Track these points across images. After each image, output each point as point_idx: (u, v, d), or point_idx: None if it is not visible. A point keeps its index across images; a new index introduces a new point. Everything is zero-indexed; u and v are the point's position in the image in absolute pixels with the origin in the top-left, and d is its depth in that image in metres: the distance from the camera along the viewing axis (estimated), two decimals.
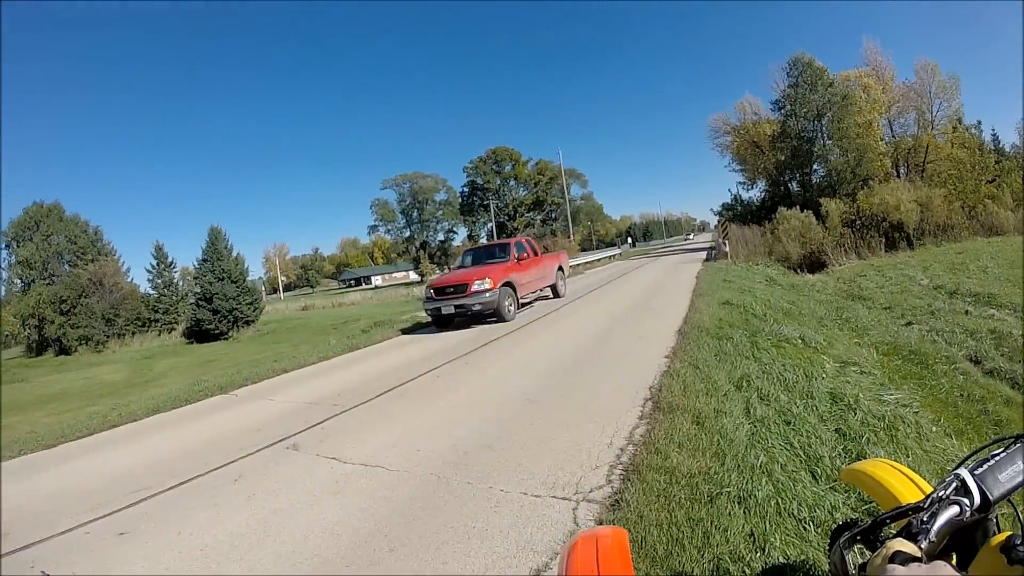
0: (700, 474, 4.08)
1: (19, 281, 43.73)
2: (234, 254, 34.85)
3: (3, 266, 46.05)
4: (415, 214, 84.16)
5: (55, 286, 38.79)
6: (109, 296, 36.57)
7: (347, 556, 3.61)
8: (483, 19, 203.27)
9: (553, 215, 78.98)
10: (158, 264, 39.20)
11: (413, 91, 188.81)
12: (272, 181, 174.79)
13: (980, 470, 1.20)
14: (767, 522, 3.40)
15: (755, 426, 4.98)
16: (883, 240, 24.70)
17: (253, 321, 34.21)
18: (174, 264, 40.46)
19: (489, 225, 76.16)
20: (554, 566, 3.19)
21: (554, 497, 4.06)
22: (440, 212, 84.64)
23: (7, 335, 42.06)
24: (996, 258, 17.65)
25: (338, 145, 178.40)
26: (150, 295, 39.06)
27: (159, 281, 39.03)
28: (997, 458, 1.23)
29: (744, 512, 3.54)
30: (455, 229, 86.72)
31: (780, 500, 3.64)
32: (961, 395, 6.87)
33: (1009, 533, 1.27)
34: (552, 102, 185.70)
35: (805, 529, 3.33)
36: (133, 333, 35.96)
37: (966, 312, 10.84)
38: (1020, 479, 1.19)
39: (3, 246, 46.22)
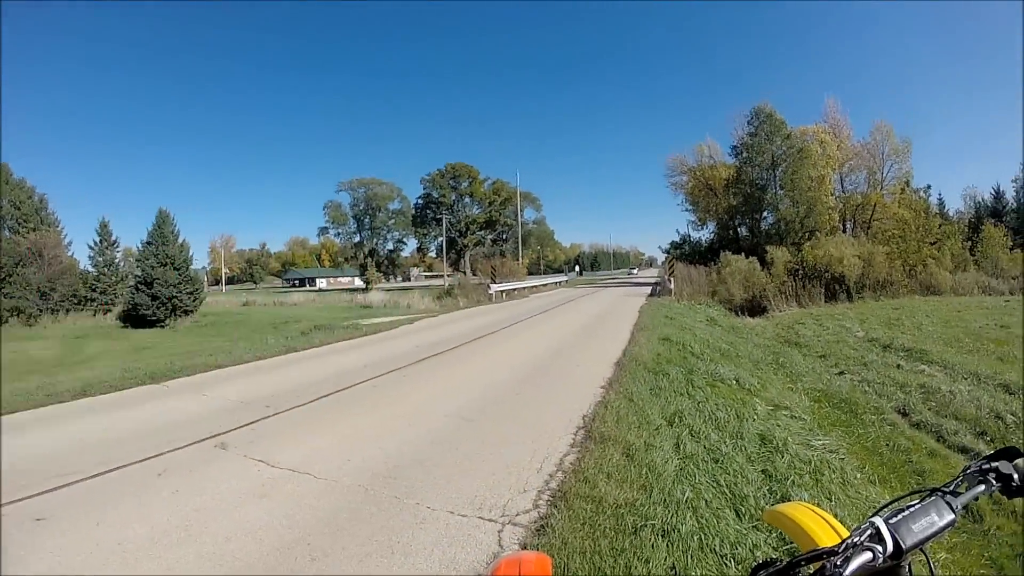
0: (626, 505, 4.14)
1: None
2: (180, 240, 33.77)
3: None
4: (367, 220, 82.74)
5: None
6: (47, 268, 34.86)
7: (268, 562, 3.54)
8: (454, 30, 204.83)
9: (504, 236, 78.82)
10: (101, 241, 37.65)
11: (380, 97, 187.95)
12: (228, 171, 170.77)
13: (895, 519, 1.24)
14: (689, 556, 3.48)
15: (684, 462, 5.09)
16: (824, 291, 25.57)
17: (192, 311, 33.08)
18: (117, 243, 38.97)
19: (440, 239, 75.80)
20: None
21: (480, 518, 4.08)
22: (392, 221, 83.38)
23: None
24: (931, 316, 18.38)
25: (296, 140, 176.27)
26: (89, 272, 37.40)
27: (100, 259, 37.44)
28: (912, 509, 1.27)
29: (667, 545, 3.61)
30: (405, 240, 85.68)
31: (703, 535, 3.72)
32: (887, 445, 7.10)
33: None
34: (515, 123, 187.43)
35: (726, 565, 3.42)
36: (68, 310, 34.36)
37: (898, 366, 11.21)
38: (932, 530, 1.23)
39: None
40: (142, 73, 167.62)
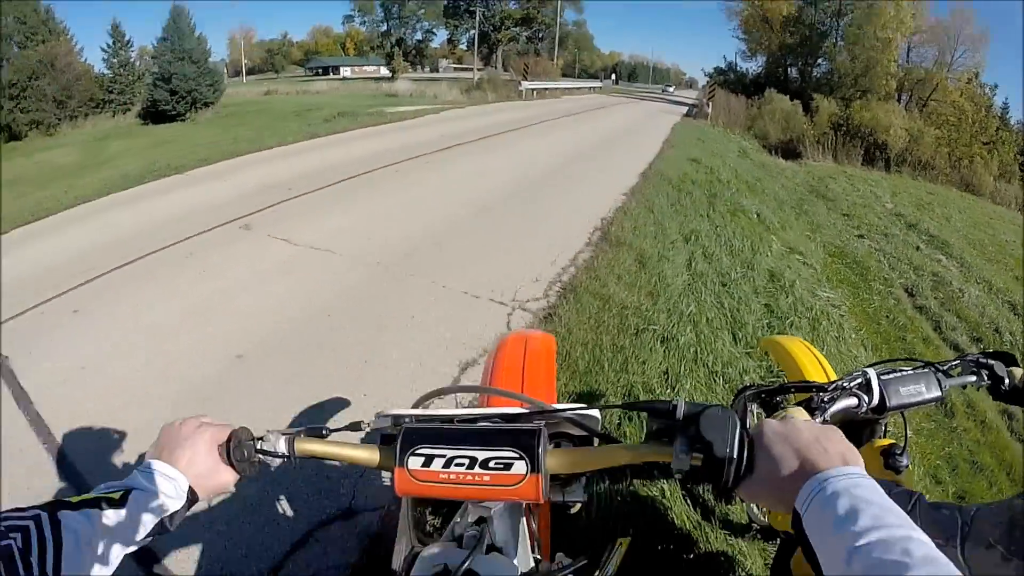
0: (632, 308, 4.27)
1: None
2: (196, 34, 32.74)
3: None
4: (395, 9, 78.29)
5: (3, 69, 36.01)
6: (61, 77, 34.14)
7: (291, 334, 3.75)
8: None
9: (540, 35, 73.83)
10: (114, 43, 36.61)
11: None
12: None
13: (887, 376, 1.27)
14: (683, 365, 3.62)
15: (693, 279, 5.16)
16: (863, 153, 24.59)
17: (213, 103, 32.64)
18: (131, 43, 37.85)
19: (472, 32, 71.62)
20: (483, 360, 3.36)
21: (491, 300, 4.26)
22: (422, 11, 78.51)
23: None
24: (963, 213, 17.60)
25: None
26: (105, 75, 36.78)
27: (115, 60, 36.57)
28: (904, 373, 1.30)
29: (664, 351, 3.75)
30: (435, 31, 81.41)
31: (699, 349, 3.85)
32: (887, 317, 7.05)
33: (892, 441, 1.41)
34: None
35: (715, 380, 3.55)
36: (86, 115, 34.04)
37: (917, 247, 10.82)
38: (918, 399, 1.27)
39: None
40: None
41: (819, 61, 36.40)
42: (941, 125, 28.20)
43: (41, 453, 2.82)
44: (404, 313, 3.97)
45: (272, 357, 3.49)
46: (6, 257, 6.13)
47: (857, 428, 1.43)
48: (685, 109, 32.74)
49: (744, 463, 0.69)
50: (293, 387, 3.17)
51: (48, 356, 3.74)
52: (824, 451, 0.66)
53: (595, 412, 0.90)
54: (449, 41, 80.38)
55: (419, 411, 0.89)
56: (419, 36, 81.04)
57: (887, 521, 0.55)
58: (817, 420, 1.11)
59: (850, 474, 0.62)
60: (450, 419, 0.87)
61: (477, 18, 67.21)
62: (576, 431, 0.91)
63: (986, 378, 1.36)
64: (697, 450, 0.70)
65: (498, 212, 6.67)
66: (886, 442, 1.40)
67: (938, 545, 0.78)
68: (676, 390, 3.39)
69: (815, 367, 1.85)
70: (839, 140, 24.40)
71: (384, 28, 79.95)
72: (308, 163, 9.55)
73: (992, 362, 1.38)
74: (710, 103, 28.08)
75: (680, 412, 0.73)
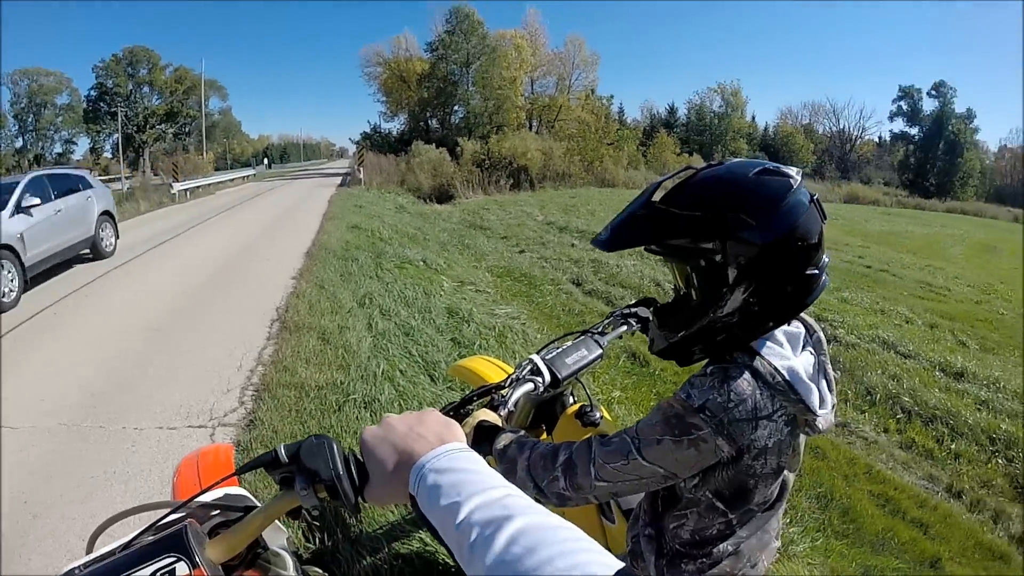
0: (328, 385, 4.58)
1: None
2: None
3: None
4: (30, 120, 68.14)
5: None
6: None
7: None
8: None
9: (187, 129, 69.83)
10: None
11: None
12: None
13: (550, 355, 1.43)
14: None
15: (377, 339, 5.63)
16: (508, 180, 27.93)
17: None
18: None
19: (115, 136, 64.70)
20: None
21: (190, 427, 4.22)
22: (60, 119, 69.48)
23: None
24: (604, 204, 21.04)
25: None
26: None
27: None
28: (565, 346, 1.48)
29: (370, 414, 4.10)
30: (76, 140, 72.25)
31: (402, 401, 4.30)
32: (564, 310, 7.96)
33: (581, 403, 1.63)
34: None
35: None
36: None
37: (572, 245, 12.34)
38: (584, 362, 1.44)
39: None
40: None
41: (456, 108, 40.98)
42: (569, 138, 33.55)
43: None
44: (104, 472, 3.73)
45: None
46: None
47: (550, 404, 1.62)
48: (340, 180, 33.61)
49: (355, 475, 0.71)
50: None
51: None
52: (420, 437, 0.69)
53: (237, 489, 0.98)
54: (92, 150, 70.96)
55: (88, 557, 0.83)
56: (59, 148, 70.20)
57: (485, 485, 0.59)
58: (502, 412, 1.22)
59: (448, 451, 0.65)
60: (112, 552, 0.81)
61: (120, 120, 60.57)
62: (237, 513, 0.89)
63: (634, 324, 1.57)
64: (317, 481, 0.70)
65: (170, 332, 6.42)
66: (575, 407, 1.60)
67: (622, 464, 1.03)
68: None
69: (498, 373, 2.05)
70: (485, 175, 27.45)
71: (20, 144, 67.90)
72: None
73: (636, 309, 1.60)
74: (360, 168, 29.37)
75: (283, 456, 0.73)
